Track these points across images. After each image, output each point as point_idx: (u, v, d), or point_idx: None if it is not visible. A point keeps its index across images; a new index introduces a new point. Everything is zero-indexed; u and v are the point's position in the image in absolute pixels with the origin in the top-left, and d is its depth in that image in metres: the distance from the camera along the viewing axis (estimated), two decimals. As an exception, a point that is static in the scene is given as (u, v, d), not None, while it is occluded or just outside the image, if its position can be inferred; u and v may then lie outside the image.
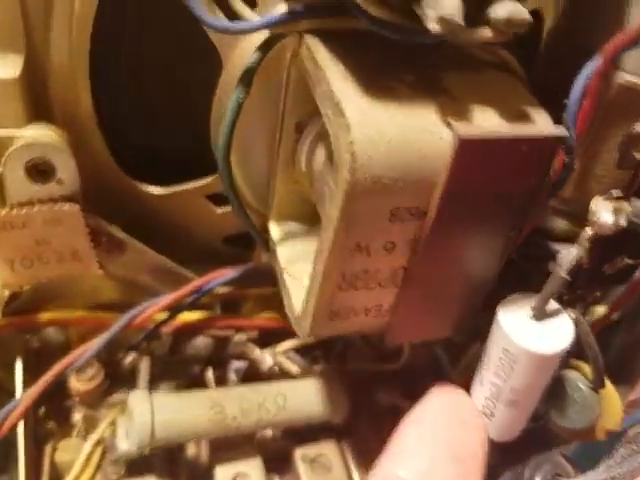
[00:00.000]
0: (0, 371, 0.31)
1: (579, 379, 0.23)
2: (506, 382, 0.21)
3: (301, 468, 0.29)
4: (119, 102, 0.26)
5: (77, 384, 0.30)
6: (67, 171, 0.24)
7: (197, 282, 0.29)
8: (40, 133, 0.24)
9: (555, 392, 0.24)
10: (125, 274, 0.29)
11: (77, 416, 0.31)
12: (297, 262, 0.24)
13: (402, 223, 0.18)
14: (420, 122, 0.16)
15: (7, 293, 0.27)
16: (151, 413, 0.25)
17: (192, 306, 0.30)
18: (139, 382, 0.29)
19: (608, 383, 0.24)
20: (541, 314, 0.20)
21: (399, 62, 0.18)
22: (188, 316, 0.31)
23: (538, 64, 0.22)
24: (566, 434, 0.27)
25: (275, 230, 0.25)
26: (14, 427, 0.27)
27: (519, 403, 0.22)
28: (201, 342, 0.31)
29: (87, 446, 0.29)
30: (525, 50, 0.20)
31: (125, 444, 0.26)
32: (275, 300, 0.33)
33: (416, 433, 0.23)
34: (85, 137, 0.25)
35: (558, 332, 0.20)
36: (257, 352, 0.32)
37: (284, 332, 0.33)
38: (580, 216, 0.21)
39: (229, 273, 0.29)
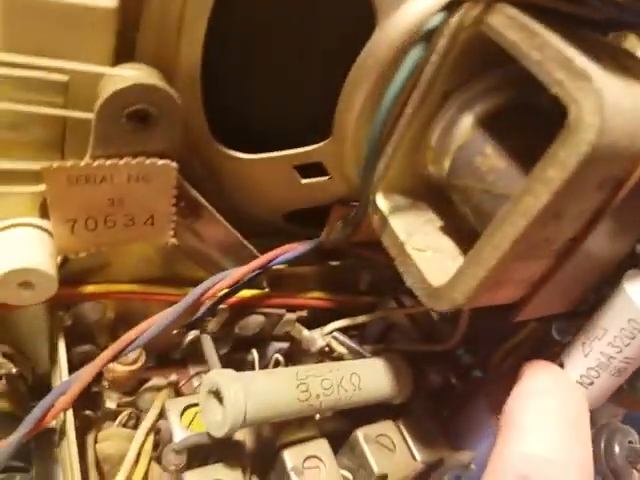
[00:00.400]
0: (17, 353, 0.27)
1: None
2: (621, 352, 0.22)
3: (366, 448, 0.28)
4: (226, 59, 0.23)
5: (118, 367, 0.26)
6: (170, 122, 0.21)
7: (266, 256, 0.27)
8: (143, 74, 0.21)
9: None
10: (191, 244, 0.26)
11: (111, 403, 0.27)
12: (414, 235, 0.23)
13: (600, 192, 0.18)
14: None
15: (59, 259, 0.23)
16: (244, 393, 0.23)
17: (250, 284, 0.28)
18: (209, 361, 0.26)
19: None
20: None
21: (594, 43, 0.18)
22: (244, 293, 0.28)
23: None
24: (623, 403, 0.29)
25: (383, 202, 0.24)
26: (63, 413, 0.23)
27: (625, 371, 0.23)
28: (253, 321, 0.29)
29: (139, 434, 0.25)
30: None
31: (214, 429, 0.23)
32: (317, 279, 0.32)
33: (531, 409, 0.23)
34: (180, 90, 0.22)
35: None
36: (305, 332, 0.31)
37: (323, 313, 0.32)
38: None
39: (297, 248, 0.28)
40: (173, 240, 0.24)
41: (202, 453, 0.26)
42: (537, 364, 0.24)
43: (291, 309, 0.30)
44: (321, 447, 0.28)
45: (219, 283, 0.26)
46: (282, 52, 0.23)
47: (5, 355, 0.26)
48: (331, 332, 0.31)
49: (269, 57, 0.24)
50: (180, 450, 0.25)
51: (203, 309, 0.27)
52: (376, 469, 0.28)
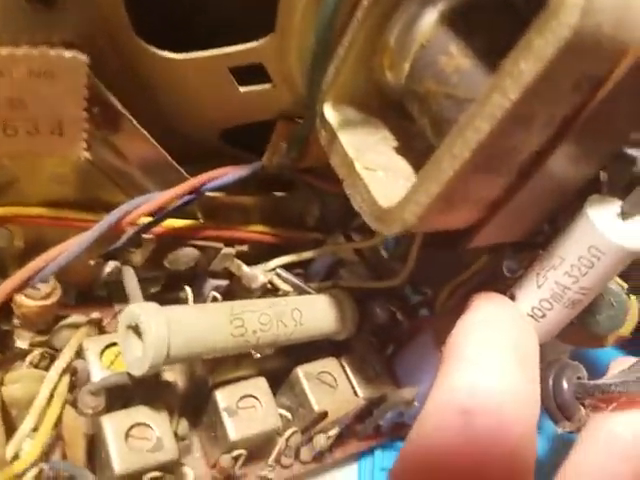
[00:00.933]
0: None
1: (615, 284, 0.24)
2: (577, 282, 0.21)
3: (306, 386, 0.26)
4: None
5: (27, 302, 0.23)
6: (79, 4, 0.18)
7: (196, 180, 0.24)
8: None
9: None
10: (108, 161, 0.23)
11: (22, 343, 0.24)
12: (365, 153, 0.21)
13: (574, 95, 0.16)
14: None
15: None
16: (166, 328, 0.20)
17: (180, 211, 0.25)
18: (130, 295, 0.23)
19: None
20: (629, 214, 0.20)
21: None
22: (174, 222, 0.25)
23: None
24: (573, 340, 0.28)
25: (333, 114, 0.21)
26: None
27: (579, 303, 0.22)
28: (186, 254, 0.26)
29: (52, 374, 0.22)
30: None
31: (134, 367, 0.21)
32: (260, 211, 0.29)
33: (475, 340, 0.21)
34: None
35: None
36: (245, 268, 0.28)
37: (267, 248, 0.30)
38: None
39: (234, 172, 0.25)
40: (86, 154, 0.21)
41: (125, 395, 0.23)
42: (484, 295, 0.23)
43: (229, 243, 0.28)
44: (258, 386, 0.26)
45: (140, 207, 0.23)
46: None
47: None
48: (274, 269, 0.29)
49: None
50: (97, 391, 0.22)
51: (124, 238, 0.24)
52: (316, 407, 0.26)
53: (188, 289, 0.27)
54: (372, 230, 0.26)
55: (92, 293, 0.28)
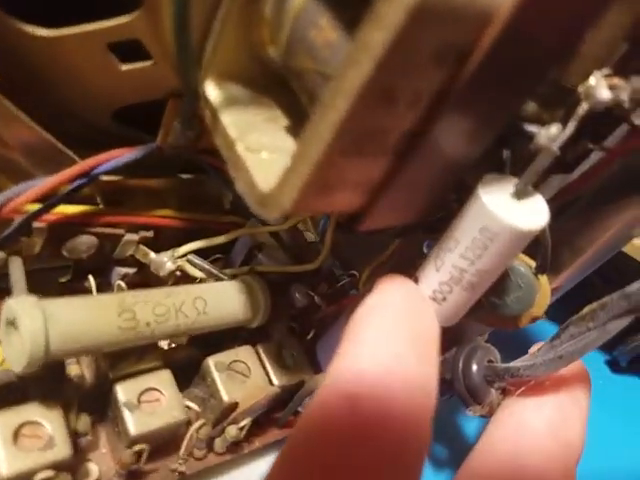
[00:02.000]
0: None
1: (523, 266, 0.24)
2: (473, 264, 0.20)
3: (216, 377, 0.26)
4: None
5: None
6: None
7: (86, 163, 0.23)
8: None
9: (499, 279, 0.24)
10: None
11: None
12: (250, 133, 0.20)
13: (439, 69, 0.15)
14: None
15: None
16: (44, 322, 0.19)
17: (72, 197, 0.23)
18: (14, 287, 0.22)
19: (544, 273, 0.25)
20: (522, 193, 0.19)
21: None
22: (67, 208, 0.24)
23: None
24: (488, 321, 0.28)
25: (215, 92, 0.20)
26: None
27: (478, 286, 0.21)
28: (83, 242, 0.25)
29: None
30: None
31: (14, 363, 0.19)
32: (166, 195, 0.28)
33: (370, 322, 0.21)
34: None
35: (536, 210, 0.20)
36: (152, 255, 0.27)
37: (176, 233, 0.29)
38: (548, 97, 0.20)
39: (127, 154, 0.23)
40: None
41: (18, 392, 0.22)
42: (387, 278, 0.22)
43: (134, 229, 0.26)
44: (162, 378, 0.25)
45: (23, 194, 0.21)
46: None
47: None
48: (185, 255, 0.27)
49: None
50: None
51: (12, 227, 0.22)
52: (225, 397, 0.25)
53: (91, 278, 0.26)
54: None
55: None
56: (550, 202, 0.24)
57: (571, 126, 0.18)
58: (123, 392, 0.24)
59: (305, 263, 0.29)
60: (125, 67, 0.21)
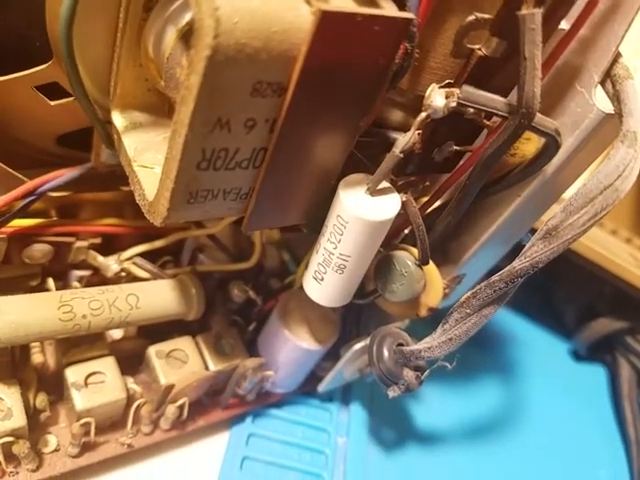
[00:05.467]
0: None
1: (407, 257, 0.27)
2: (336, 248, 0.24)
3: (156, 363, 0.30)
4: None
5: None
6: None
7: (32, 183, 0.27)
8: None
9: (385, 269, 0.27)
10: (-56, 174, 0.26)
11: None
12: (146, 152, 0.23)
13: (263, 99, 0.18)
14: (282, -2, 0.17)
15: None
16: (-8, 315, 0.24)
17: (25, 212, 0.28)
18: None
19: (431, 263, 0.28)
20: (375, 190, 0.23)
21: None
22: (21, 222, 0.28)
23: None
24: (394, 310, 0.31)
25: (119, 120, 0.24)
26: None
27: (348, 269, 0.24)
28: (38, 250, 0.29)
29: None
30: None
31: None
32: (115, 206, 0.32)
33: None
34: None
35: (386, 205, 0.23)
36: (100, 259, 0.31)
37: (128, 239, 0.33)
38: (412, 107, 0.23)
39: (65, 173, 0.27)
40: None
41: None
42: None
43: (83, 237, 0.31)
44: (107, 364, 0.29)
45: (-23, 211, 0.26)
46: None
47: None
48: (130, 258, 0.31)
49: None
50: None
51: (-27, 239, 0.27)
52: (163, 380, 0.29)
53: (51, 281, 0.30)
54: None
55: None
56: (435, 197, 0.27)
57: (412, 132, 0.22)
58: (72, 374, 0.28)
59: (239, 262, 0.32)
60: (53, 103, 0.25)
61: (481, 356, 0.48)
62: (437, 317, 0.27)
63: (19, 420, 0.26)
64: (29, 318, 0.25)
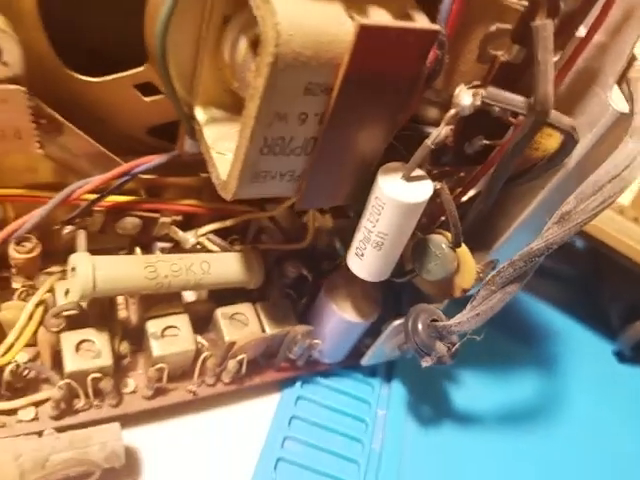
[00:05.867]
0: None
1: (442, 240, 0.30)
2: (375, 226, 0.27)
3: (222, 322, 0.35)
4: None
5: (17, 255, 0.33)
6: (11, 54, 0.26)
7: (126, 165, 0.32)
8: (-15, 18, 0.26)
9: (421, 250, 0.31)
10: (61, 156, 0.32)
11: (16, 284, 0.34)
12: (221, 141, 0.28)
13: (314, 97, 0.22)
14: (330, 13, 0.21)
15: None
16: (93, 268, 0.29)
17: (120, 190, 0.33)
18: (78, 248, 0.32)
19: (464, 246, 0.31)
20: (409, 177, 0.26)
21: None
22: (117, 198, 0.34)
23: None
24: (430, 290, 0.34)
25: (201, 114, 0.29)
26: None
27: (384, 245, 0.28)
28: (129, 222, 0.35)
29: (29, 305, 0.32)
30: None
31: (70, 295, 0.30)
32: (194, 189, 0.37)
33: None
34: (26, 27, 0.27)
35: (418, 190, 0.26)
36: (180, 233, 0.36)
37: (204, 218, 0.38)
38: (447, 105, 0.27)
39: (155, 159, 0.33)
40: (40, 151, 0.30)
41: (82, 321, 0.33)
42: None
43: (167, 214, 0.36)
44: (181, 320, 0.34)
45: (83, 187, 0.32)
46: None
47: None
48: (205, 234, 0.37)
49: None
50: (57, 314, 0.31)
51: (78, 210, 0.33)
52: (227, 337, 0.34)
53: (138, 249, 0.36)
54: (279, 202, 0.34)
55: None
56: (468, 186, 0.31)
57: (442, 127, 0.25)
58: (152, 326, 0.33)
59: (293, 242, 0.37)
60: (148, 99, 0.31)
61: (525, 351, 0.50)
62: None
63: (106, 360, 0.32)
64: (120, 274, 0.31)
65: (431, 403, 0.43)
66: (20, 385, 0.32)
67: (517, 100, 0.25)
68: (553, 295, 0.54)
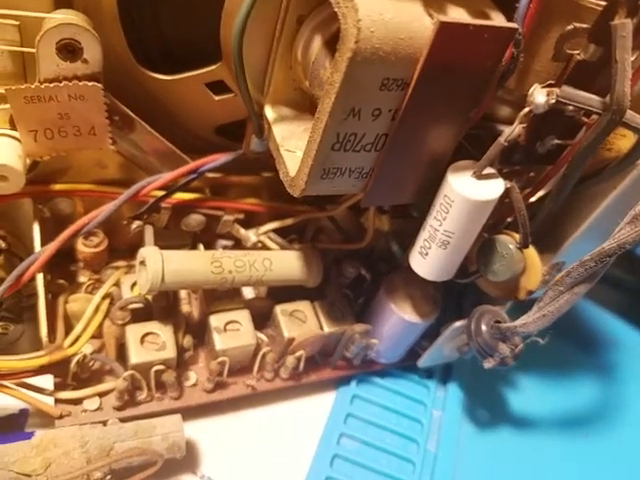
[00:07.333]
0: (11, 237, 0.35)
1: (509, 241, 0.30)
2: (442, 225, 0.27)
3: (281, 319, 0.35)
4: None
5: (85, 249, 0.34)
6: (92, 52, 0.27)
7: (194, 163, 0.33)
8: (69, 17, 0.27)
9: (487, 250, 0.30)
10: (131, 152, 0.33)
11: (83, 278, 0.35)
12: (290, 139, 0.29)
13: (389, 92, 0.23)
14: (410, 11, 0.21)
15: (29, 162, 0.31)
16: (162, 262, 0.30)
17: (187, 187, 0.34)
18: (146, 243, 0.33)
19: (531, 247, 0.30)
20: (480, 175, 0.26)
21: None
22: (183, 195, 0.35)
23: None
24: (495, 292, 0.34)
25: (270, 112, 0.29)
26: (34, 277, 0.31)
27: (450, 244, 0.28)
28: (194, 219, 0.36)
29: (96, 297, 0.33)
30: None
31: (137, 288, 0.30)
32: (256, 189, 0.38)
33: None
34: (105, 26, 0.28)
35: (489, 188, 0.26)
36: (242, 231, 0.37)
37: (265, 216, 0.38)
38: (520, 104, 0.26)
39: (222, 157, 0.34)
40: (112, 147, 0.31)
41: (147, 314, 0.34)
42: None
43: (230, 212, 0.37)
44: (243, 315, 0.35)
45: (152, 183, 0.32)
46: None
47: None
48: (265, 232, 0.37)
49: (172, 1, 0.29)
50: (123, 307, 0.32)
51: (146, 206, 0.34)
52: (286, 334, 0.35)
53: (200, 245, 0.37)
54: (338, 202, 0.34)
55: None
56: (538, 186, 0.30)
57: (515, 125, 0.25)
58: (214, 320, 0.34)
59: (352, 242, 0.37)
60: (218, 98, 0.32)
61: (584, 358, 0.49)
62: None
63: (170, 352, 0.33)
64: (188, 269, 0.31)
65: (487, 406, 0.43)
66: (85, 376, 0.34)
67: (592, 99, 0.24)
68: (614, 303, 0.52)
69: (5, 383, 0.30)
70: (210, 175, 0.35)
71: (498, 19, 0.23)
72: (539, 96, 0.24)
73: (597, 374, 0.47)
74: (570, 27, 0.24)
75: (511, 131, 0.25)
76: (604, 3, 0.23)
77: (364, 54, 0.21)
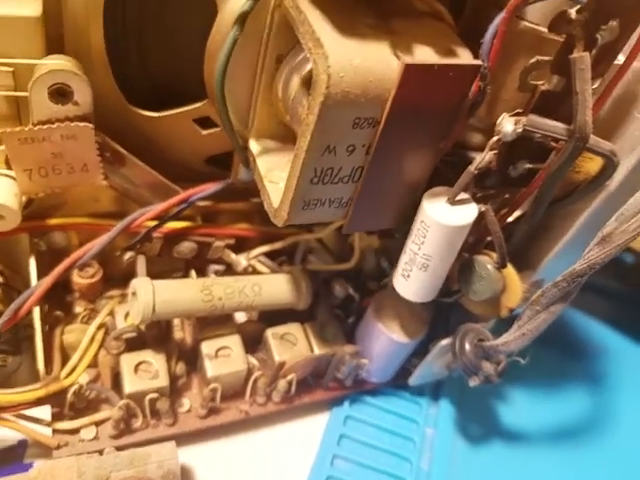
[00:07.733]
0: (9, 271, 0.36)
1: (487, 261, 0.31)
2: (420, 249, 0.28)
3: (272, 343, 0.36)
4: (124, 43, 0.31)
5: (80, 280, 0.35)
6: (83, 95, 0.29)
7: (185, 194, 0.35)
8: (61, 62, 0.28)
9: (467, 270, 0.31)
10: (123, 186, 0.34)
11: (79, 308, 0.36)
12: (274, 170, 0.30)
13: (361, 130, 0.24)
14: (378, 54, 0.22)
15: (24, 199, 0.32)
16: (153, 293, 0.31)
17: (178, 216, 0.35)
18: (138, 273, 0.34)
19: (510, 266, 0.31)
20: (454, 200, 0.27)
21: (362, 9, 0.24)
22: (175, 224, 0.36)
23: (466, 14, 0.28)
24: (477, 310, 0.35)
25: (255, 146, 0.31)
26: (31, 310, 0.32)
27: (431, 268, 0.29)
28: (186, 247, 0.37)
29: (91, 328, 0.34)
30: (454, 3, 0.26)
31: (130, 319, 0.32)
32: (246, 214, 0.39)
33: None
34: (95, 69, 0.30)
35: (463, 214, 0.27)
36: (233, 256, 0.38)
37: (255, 241, 0.40)
38: (491, 131, 0.28)
39: (211, 187, 0.35)
40: (104, 182, 0.32)
41: (140, 342, 0.35)
42: None
43: (220, 238, 0.38)
44: (234, 340, 0.36)
45: (145, 214, 0.34)
46: (163, 33, 0.30)
47: (-2, 271, 0.35)
48: (256, 256, 0.38)
49: (158, 43, 0.31)
50: (117, 337, 0.33)
51: (139, 236, 0.35)
52: (277, 357, 0.36)
53: (193, 272, 0.38)
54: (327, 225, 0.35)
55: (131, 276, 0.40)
56: (513, 208, 0.31)
57: (485, 153, 0.26)
58: (206, 347, 0.35)
59: (341, 263, 0.38)
60: (205, 132, 0.33)
61: (574, 368, 0.49)
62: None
63: (163, 381, 0.34)
64: (178, 298, 0.32)
65: (479, 421, 0.44)
66: (82, 405, 0.34)
67: (557, 127, 0.25)
68: (602, 311, 0.53)
69: (4, 416, 0.31)
70: (201, 204, 0.37)
71: (464, 55, 0.24)
72: (507, 125, 0.26)
73: (586, 383, 0.48)
74: (533, 60, 0.25)
75: (481, 159, 0.26)
76: (564, 37, 0.25)
77: (335, 98, 0.22)
